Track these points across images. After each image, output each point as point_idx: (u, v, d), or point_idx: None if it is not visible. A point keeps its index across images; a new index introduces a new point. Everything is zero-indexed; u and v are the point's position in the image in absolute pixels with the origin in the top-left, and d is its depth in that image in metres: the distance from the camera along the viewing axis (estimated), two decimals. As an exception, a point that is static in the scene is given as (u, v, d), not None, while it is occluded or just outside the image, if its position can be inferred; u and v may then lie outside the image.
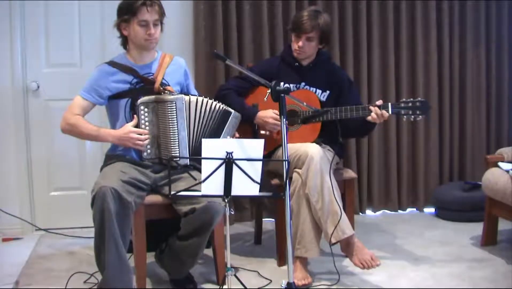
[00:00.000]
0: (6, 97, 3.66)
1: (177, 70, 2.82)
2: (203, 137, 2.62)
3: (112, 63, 2.71)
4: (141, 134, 2.61)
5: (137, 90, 2.68)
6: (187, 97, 2.65)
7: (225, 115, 2.73)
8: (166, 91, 2.68)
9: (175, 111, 2.59)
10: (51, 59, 3.75)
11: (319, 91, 3.11)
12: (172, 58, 2.82)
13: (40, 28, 3.70)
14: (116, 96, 2.68)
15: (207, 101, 2.69)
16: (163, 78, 2.72)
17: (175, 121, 2.60)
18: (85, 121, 2.66)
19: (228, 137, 2.72)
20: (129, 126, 2.62)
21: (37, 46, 3.71)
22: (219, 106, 2.72)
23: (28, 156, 3.74)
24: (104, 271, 2.44)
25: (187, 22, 3.82)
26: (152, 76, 2.72)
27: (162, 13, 2.67)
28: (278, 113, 2.90)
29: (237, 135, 2.80)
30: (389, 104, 2.86)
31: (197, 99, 2.67)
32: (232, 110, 2.75)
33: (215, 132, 2.70)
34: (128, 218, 2.45)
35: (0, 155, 3.68)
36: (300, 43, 3.01)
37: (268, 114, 2.98)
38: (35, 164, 3.76)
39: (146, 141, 2.62)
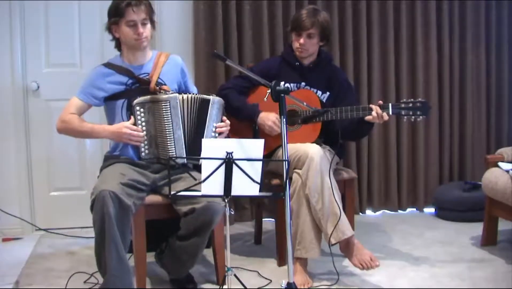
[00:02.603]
0: (6, 97, 3.66)
1: (173, 68, 2.81)
2: (194, 132, 2.62)
3: (108, 65, 2.71)
4: (136, 130, 2.60)
5: (133, 91, 2.68)
6: (180, 96, 2.65)
7: (204, 104, 2.68)
8: (161, 91, 2.68)
9: (169, 111, 2.60)
10: (51, 59, 3.75)
11: (319, 92, 3.10)
12: (168, 57, 2.81)
13: (40, 28, 3.70)
14: (112, 98, 2.68)
15: (192, 96, 2.67)
16: (159, 78, 2.72)
17: (170, 120, 2.60)
18: (80, 119, 2.66)
19: (214, 124, 2.68)
20: (125, 123, 2.62)
21: (37, 46, 3.71)
22: (196, 97, 2.68)
23: (28, 156, 3.74)
24: (105, 273, 2.44)
25: (187, 22, 3.82)
26: (147, 76, 2.72)
27: (150, 11, 2.66)
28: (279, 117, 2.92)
29: (224, 119, 2.75)
30: (390, 104, 2.86)
31: (188, 97, 2.67)
32: (210, 97, 2.69)
33: (200, 124, 2.67)
34: (128, 220, 2.45)
35: (0, 155, 3.68)
36: (302, 41, 3.01)
37: (270, 118, 2.96)
38: (35, 164, 3.76)
39: (141, 138, 2.61)
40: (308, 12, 3.01)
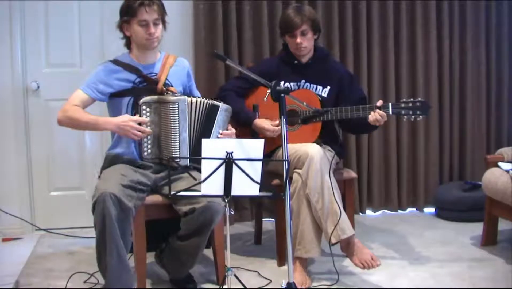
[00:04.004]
0: (6, 97, 3.66)
1: (180, 71, 2.82)
2: (199, 135, 2.63)
3: (116, 62, 2.71)
4: (140, 124, 2.59)
5: (140, 89, 2.68)
6: (189, 99, 2.65)
7: (213, 109, 2.70)
8: (169, 92, 2.68)
9: (177, 113, 2.60)
10: (51, 59, 3.75)
11: (319, 87, 3.11)
12: (176, 59, 2.82)
13: (40, 28, 3.70)
14: (118, 95, 2.68)
15: (201, 100, 2.69)
16: (166, 79, 2.73)
17: (177, 122, 2.60)
18: (83, 111, 2.65)
19: (220, 131, 2.71)
20: (129, 115, 2.61)
21: (37, 46, 3.71)
22: (206, 102, 2.69)
23: (28, 156, 3.74)
24: (105, 274, 2.44)
25: (187, 22, 3.82)
26: (155, 76, 2.72)
27: (162, 12, 2.67)
28: (275, 124, 2.93)
29: (229, 127, 2.78)
30: (389, 104, 2.86)
31: (197, 100, 2.67)
32: (220, 104, 2.72)
33: (206, 128, 2.68)
34: (128, 222, 2.46)
35: (0, 155, 3.68)
36: (298, 40, 3.01)
37: (265, 126, 2.98)
38: (35, 164, 3.76)
39: (145, 134, 2.60)
40: (293, 11, 3.03)
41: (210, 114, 2.69)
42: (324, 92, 3.11)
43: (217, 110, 2.70)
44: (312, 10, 3.12)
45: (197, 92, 2.92)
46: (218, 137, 2.69)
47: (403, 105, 2.84)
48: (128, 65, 2.70)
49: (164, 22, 2.70)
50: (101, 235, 2.40)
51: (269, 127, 2.98)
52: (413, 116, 2.84)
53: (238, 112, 3.00)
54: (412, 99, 2.86)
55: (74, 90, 2.72)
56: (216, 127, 2.69)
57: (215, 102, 2.72)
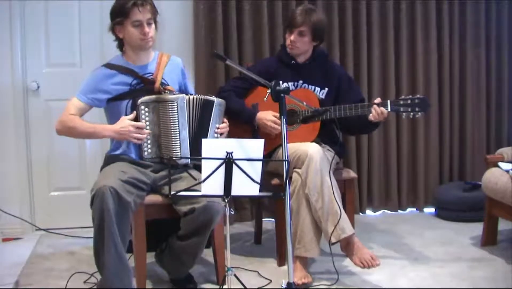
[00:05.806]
0: (6, 97, 3.66)
1: (174, 69, 2.82)
2: (197, 132, 2.63)
3: (109, 66, 2.69)
4: (139, 128, 2.59)
5: (138, 91, 2.67)
6: (187, 97, 2.65)
7: (208, 105, 2.70)
8: (166, 91, 2.68)
9: (176, 111, 2.59)
10: (51, 59, 3.75)
11: (317, 88, 3.11)
12: (169, 58, 2.81)
13: (40, 28, 3.70)
14: (116, 98, 2.67)
15: (195, 97, 2.68)
16: (162, 78, 2.72)
17: (177, 120, 2.60)
18: (80, 120, 2.64)
19: (217, 125, 2.70)
20: (127, 119, 2.60)
21: (37, 46, 3.71)
22: (201, 98, 2.69)
23: (28, 156, 3.74)
24: (103, 271, 2.44)
25: (187, 22, 3.82)
26: (151, 76, 2.71)
27: (154, 12, 2.66)
28: (278, 115, 2.94)
29: (225, 120, 2.78)
30: (388, 101, 2.86)
31: (193, 98, 2.67)
32: (214, 99, 2.72)
33: (204, 124, 2.68)
34: (128, 217, 2.45)
35: (0, 155, 3.68)
36: (292, 37, 3.02)
37: (268, 117, 2.98)
38: (35, 164, 3.76)
39: (145, 135, 2.60)
40: (301, 10, 3.03)
41: (205, 110, 2.68)
42: (322, 93, 3.11)
43: (213, 106, 2.70)
44: (321, 17, 3.09)
45: (191, 89, 2.92)
46: (215, 132, 2.69)
47: (401, 102, 2.84)
48: (123, 68, 2.68)
49: (156, 22, 2.68)
50: (99, 230, 2.39)
51: (272, 118, 2.97)
52: (412, 114, 2.83)
53: (240, 111, 3.00)
54: (411, 96, 2.85)
55: (74, 91, 2.71)
56: (213, 122, 2.69)
57: (209, 98, 2.71)
